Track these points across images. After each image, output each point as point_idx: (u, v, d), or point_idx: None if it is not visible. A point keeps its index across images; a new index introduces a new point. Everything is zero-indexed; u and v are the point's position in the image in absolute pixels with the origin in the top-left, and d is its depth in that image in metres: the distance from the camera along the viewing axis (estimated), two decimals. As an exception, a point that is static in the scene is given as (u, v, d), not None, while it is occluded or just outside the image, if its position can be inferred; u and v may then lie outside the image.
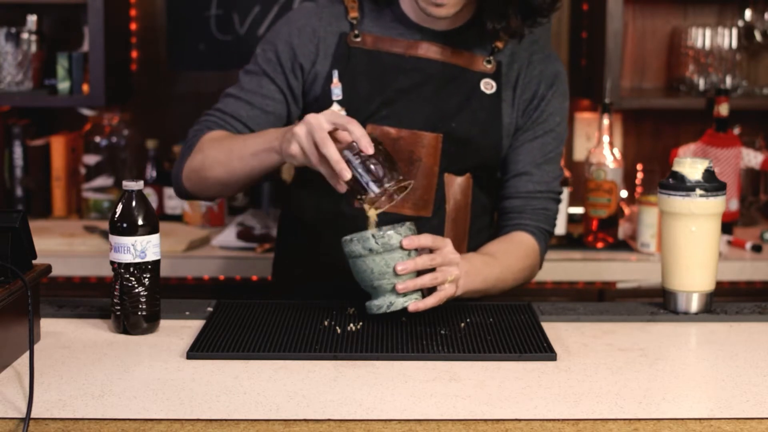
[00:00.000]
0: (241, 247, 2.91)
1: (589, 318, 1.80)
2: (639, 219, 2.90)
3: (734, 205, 3.07)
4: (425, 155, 1.95)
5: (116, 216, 1.65)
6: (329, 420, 1.33)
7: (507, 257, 1.93)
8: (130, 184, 1.66)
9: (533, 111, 2.01)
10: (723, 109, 3.03)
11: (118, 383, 1.45)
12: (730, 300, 1.96)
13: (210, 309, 1.80)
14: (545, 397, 1.41)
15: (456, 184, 1.98)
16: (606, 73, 3.08)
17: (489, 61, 1.99)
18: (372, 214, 1.71)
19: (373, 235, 1.66)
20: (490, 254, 1.92)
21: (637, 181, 3.35)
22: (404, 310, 1.69)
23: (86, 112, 3.38)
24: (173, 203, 3.23)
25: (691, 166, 1.79)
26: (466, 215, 2.01)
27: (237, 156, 1.86)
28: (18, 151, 3.22)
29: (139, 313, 1.67)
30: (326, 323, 1.71)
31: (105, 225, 2.97)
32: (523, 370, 1.52)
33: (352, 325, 1.70)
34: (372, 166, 1.65)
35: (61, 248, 2.88)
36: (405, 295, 1.68)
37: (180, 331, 1.70)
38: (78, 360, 1.55)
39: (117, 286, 1.66)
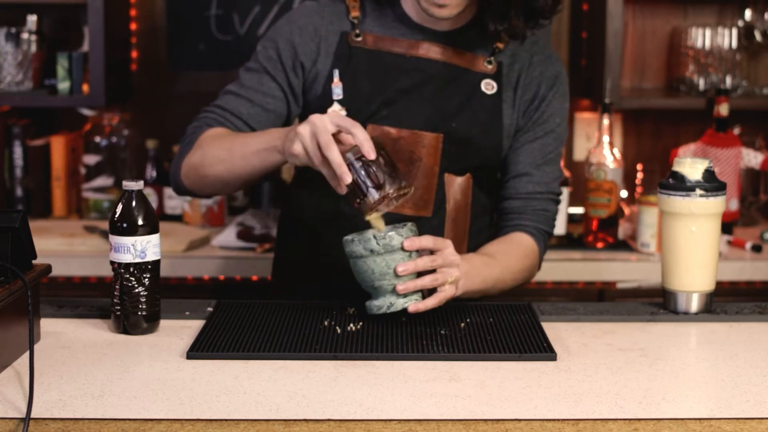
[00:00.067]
0: (241, 247, 2.91)
1: (589, 318, 1.80)
2: (639, 219, 2.90)
3: (734, 205, 3.07)
4: (425, 155, 1.95)
5: (116, 216, 1.65)
6: (329, 420, 1.33)
7: (506, 258, 1.93)
8: (130, 184, 1.66)
9: (534, 112, 2.01)
10: (723, 109, 3.03)
11: (118, 383, 1.45)
12: (730, 300, 1.96)
13: (210, 309, 1.80)
14: (545, 397, 1.41)
15: (456, 184, 1.98)
16: (606, 73, 3.08)
17: (490, 62, 1.99)
18: (374, 220, 1.70)
19: (375, 236, 1.66)
20: (490, 255, 1.92)
21: (637, 181, 3.35)
22: (404, 310, 1.69)
23: (86, 112, 3.38)
24: (173, 203, 3.23)
25: (691, 166, 1.79)
26: (466, 215, 2.01)
27: (238, 154, 1.86)
28: (18, 151, 3.22)
29: (139, 313, 1.67)
30: (326, 323, 1.71)
31: (105, 225, 2.97)
32: (523, 370, 1.52)
33: (352, 325, 1.70)
34: (373, 171, 1.65)
35: (61, 248, 2.88)
36: (405, 295, 1.69)
37: (180, 331, 1.70)
38: (78, 360, 1.55)
39: (117, 286, 1.66)
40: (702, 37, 3.24)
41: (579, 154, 3.40)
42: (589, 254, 2.89)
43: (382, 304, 1.69)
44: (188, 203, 3.15)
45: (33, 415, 1.33)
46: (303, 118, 2.03)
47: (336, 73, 1.96)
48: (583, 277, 2.86)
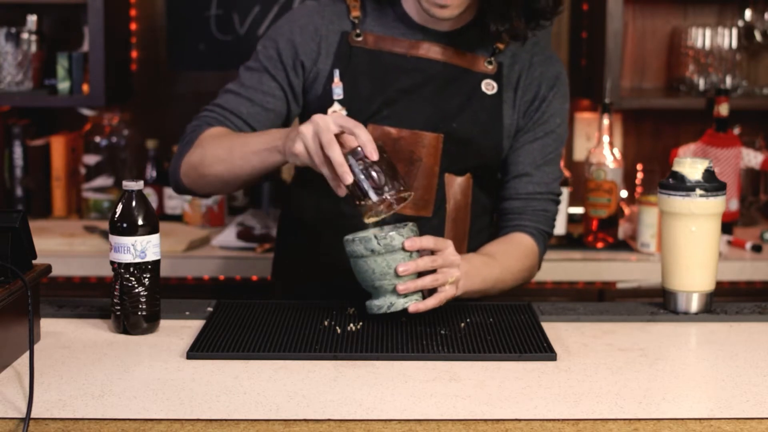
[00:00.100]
0: (241, 247, 2.91)
1: (589, 318, 1.80)
2: (639, 219, 2.90)
3: (734, 205, 3.07)
4: (426, 155, 1.95)
5: (116, 216, 1.65)
6: (329, 420, 1.33)
7: (506, 258, 1.93)
8: (130, 184, 1.66)
9: (534, 112, 2.01)
10: (723, 109, 3.03)
11: (118, 383, 1.45)
12: (730, 300, 1.96)
13: (210, 309, 1.80)
14: (545, 397, 1.41)
15: (456, 184, 1.98)
16: (606, 73, 3.08)
17: (490, 62, 1.99)
18: (371, 221, 1.71)
19: (376, 236, 1.66)
20: (490, 255, 1.92)
21: (637, 181, 3.35)
22: (404, 310, 1.69)
23: (86, 112, 3.38)
24: (173, 203, 3.24)
25: (691, 166, 1.79)
26: (466, 215, 2.01)
27: (238, 154, 1.86)
28: (18, 151, 3.22)
29: (139, 313, 1.67)
30: (326, 323, 1.71)
31: (105, 225, 2.97)
32: (523, 370, 1.52)
33: (352, 325, 1.70)
34: (374, 174, 1.65)
35: (61, 248, 2.88)
36: (406, 295, 1.69)
37: (180, 331, 1.70)
38: (78, 360, 1.55)
39: (117, 286, 1.66)
40: (702, 37, 3.24)
41: (579, 154, 3.40)
42: (589, 254, 2.89)
43: (383, 303, 1.69)
44: (188, 203, 3.15)
45: (33, 415, 1.33)
46: (303, 117, 2.03)
47: (336, 72, 1.96)
48: (583, 277, 2.86)
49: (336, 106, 1.95)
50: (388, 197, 1.66)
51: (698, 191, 1.78)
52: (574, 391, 1.44)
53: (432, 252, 1.70)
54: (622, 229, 3.04)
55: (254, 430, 1.32)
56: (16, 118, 3.29)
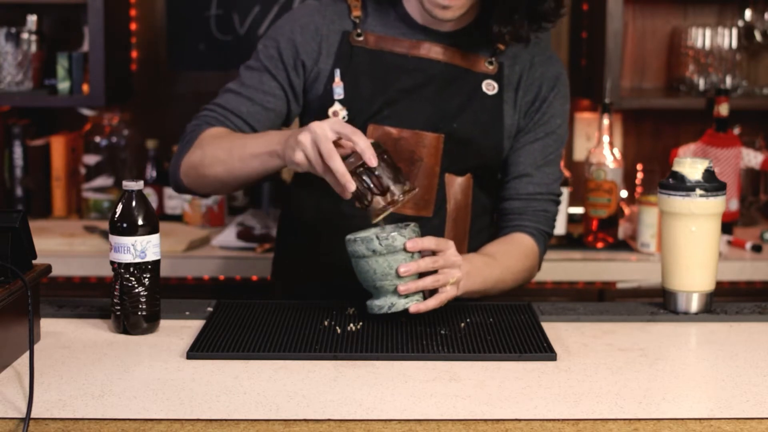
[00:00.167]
0: (241, 247, 2.91)
1: (589, 318, 1.80)
2: (639, 219, 2.90)
3: (734, 205, 3.07)
4: (426, 155, 1.95)
5: (116, 216, 1.65)
6: (329, 420, 1.33)
7: (507, 258, 1.93)
8: (130, 184, 1.66)
9: (535, 113, 2.01)
10: (723, 109, 3.03)
11: (118, 383, 1.45)
12: (730, 300, 1.96)
13: (210, 309, 1.80)
14: (545, 397, 1.41)
15: (457, 184, 1.98)
16: (606, 73, 3.08)
17: (491, 62, 1.99)
18: (378, 220, 1.71)
19: (377, 237, 1.66)
20: (490, 255, 1.92)
21: (637, 181, 3.35)
22: (405, 311, 1.69)
23: (86, 112, 3.38)
24: (173, 203, 3.24)
25: (691, 166, 1.79)
26: (466, 215, 2.01)
27: (237, 156, 1.85)
28: (18, 151, 3.22)
29: (139, 313, 1.67)
30: (326, 323, 1.71)
31: (105, 225, 2.97)
32: (523, 370, 1.52)
33: (352, 325, 1.70)
34: (377, 177, 1.65)
35: (61, 248, 2.88)
36: (407, 296, 1.69)
37: (180, 331, 1.70)
38: (78, 360, 1.55)
39: (117, 286, 1.66)
40: (702, 37, 3.24)
41: (579, 154, 3.40)
42: (589, 254, 2.89)
43: (384, 304, 1.69)
44: (188, 203, 3.15)
45: (33, 415, 1.33)
46: (303, 117, 2.03)
47: (337, 72, 1.96)
48: (583, 277, 2.86)
49: (336, 106, 1.95)
50: (394, 197, 1.66)
51: (698, 191, 1.78)
52: (574, 391, 1.44)
53: (433, 252, 1.70)
54: (622, 229, 3.04)
55: (254, 430, 1.32)
56: (16, 118, 3.29)
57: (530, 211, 2.01)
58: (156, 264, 1.67)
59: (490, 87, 1.99)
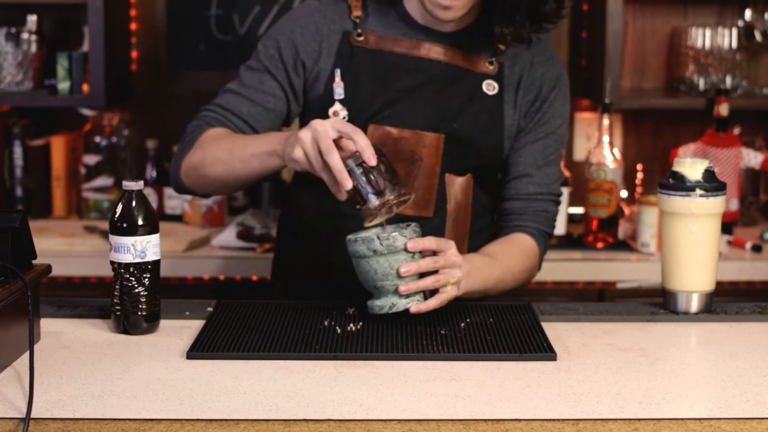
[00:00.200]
0: (241, 247, 2.91)
1: (589, 318, 1.80)
2: (639, 219, 2.90)
3: (734, 205, 3.07)
4: (427, 155, 1.95)
5: (116, 216, 1.65)
6: (329, 420, 1.33)
7: (507, 258, 1.93)
8: (130, 184, 1.66)
9: (535, 113, 2.01)
10: (723, 109, 3.03)
11: (118, 383, 1.45)
12: (730, 300, 1.96)
13: (210, 309, 1.80)
14: (545, 397, 1.41)
15: (457, 184, 1.98)
16: (606, 73, 3.08)
17: (491, 63, 2.00)
18: (372, 224, 1.71)
19: (378, 237, 1.66)
20: (491, 255, 1.92)
21: (637, 181, 3.35)
22: (406, 311, 1.69)
23: (86, 112, 3.38)
24: (173, 203, 3.24)
25: (691, 166, 1.79)
26: (466, 215, 2.01)
27: (238, 156, 1.86)
28: (18, 151, 3.22)
29: (139, 313, 1.67)
30: (326, 323, 1.71)
31: (105, 225, 2.97)
32: (523, 370, 1.52)
33: (352, 325, 1.70)
34: (374, 178, 1.65)
35: (61, 248, 2.88)
36: (407, 296, 1.69)
37: (180, 331, 1.70)
38: (78, 360, 1.55)
39: (117, 286, 1.66)
40: (702, 37, 3.24)
41: (579, 154, 3.40)
42: (589, 254, 2.89)
43: (384, 304, 1.69)
44: (188, 203, 3.15)
45: (33, 415, 1.33)
46: (304, 117, 2.03)
47: (337, 72, 1.96)
48: (583, 277, 2.86)
49: (337, 106, 1.95)
50: (389, 200, 1.66)
51: (698, 191, 1.78)
52: (574, 391, 1.44)
53: (434, 253, 1.70)
54: (622, 229, 3.04)
55: (254, 430, 1.32)
56: (16, 118, 3.29)
57: (530, 211, 2.01)
58: (156, 264, 1.67)
59: (490, 87, 1.99)
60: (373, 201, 1.66)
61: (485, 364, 1.54)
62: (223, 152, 1.88)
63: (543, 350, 1.59)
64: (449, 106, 1.96)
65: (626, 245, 2.96)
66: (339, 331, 1.67)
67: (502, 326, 1.71)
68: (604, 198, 2.92)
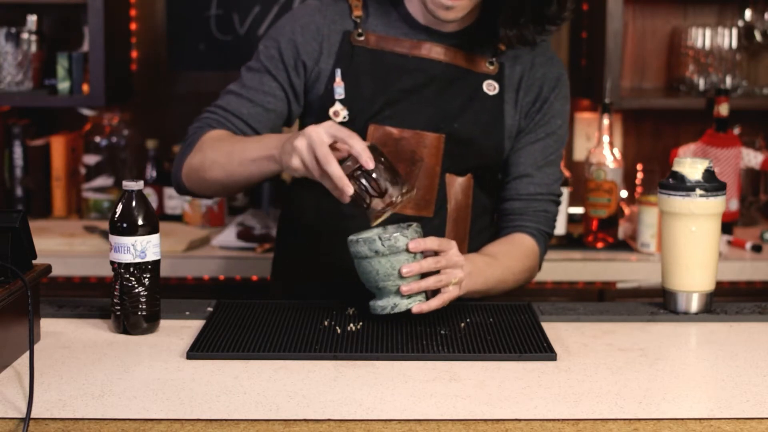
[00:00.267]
0: (241, 247, 2.91)
1: (589, 318, 1.80)
2: (639, 219, 2.90)
3: (734, 205, 3.07)
4: (427, 155, 1.95)
5: (116, 216, 1.65)
6: (329, 420, 1.33)
7: (508, 258, 1.93)
8: (130, 184, 1.66)
9: (536, 113, 2.01)
10: (723, 109, 3.03)
11: (118, 383, 1.45)
12: (730, 300, 1.96)
13: (210, 309, 1.80)
14: (545, 397, 1.41)
15: (457, 184, 1.98)
16: (606, 73, 3.08)
17: (492, 63, 2.00)
18: (377, 222, 1.71)
19: (380, 237, 1.66)
20: (492, 255, 1.92)
21: (637, 181, 3.35)
22: (408, 311, 1.68)
23: (86, 112, 3.38)
24: (173, 203, 3.24)
25: (691, 166, 1.79)
26: (467, 215, 2.01)
27: (237, 160, 1.86)
28: (18, 151, 3.22)
29: (139, 313, 1.67)
30: (326, 323, 1.71)
31: (105, 225, 2.97)
32: (523, 370, 1.52)
33: (352, 325, 1.70)
34: (375, 179, 1.65)
35: (61, 248, 2.88)
36: (409, 296, 1.68)
37: (180, 331, 1.70)
38: (78, 360, 1.55)
39: (117, 286, 1.66)
40: (702, 37, 3.24)
41: (579, 154, 3.40)
42: (589, 254, 2.89)
43: (386, 304, 1.69)
44: (188, 203, 3.15)
45: (33, 415, 1.33)
46: (304, 117, 2.03)
47: (338, 72, 1.96)
48: (583, 277, 2.86)
49: (337, 106, 1.95)
50: (392, 199, 1.66)
51: (698, 191, 1.78)
52: (574, 391, 1.44)
53: (436, 253, 1.70)
54: (622, 229, 3.04)
55: (254, 430, 1.32)
56: (16, 118, 3.29)
57: (531, 211, 2.01)
58: (156, 264, 1.67)
59: (491, 87, 1.99)
60: (377, 202, 1.66)
61: (485, 364, 1.54)
62: (222, 156, 1.88)
63: (543, 350, 1.59)
64: (450, 107, 1.96)
65: (626, 245, 2.96)
66: (339, 331, 1.67)
67: (502, 326, 1.71)
68: (604, 198, 2.92)
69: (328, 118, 1.94)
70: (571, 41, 3.43)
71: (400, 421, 1.34)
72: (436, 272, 1.70)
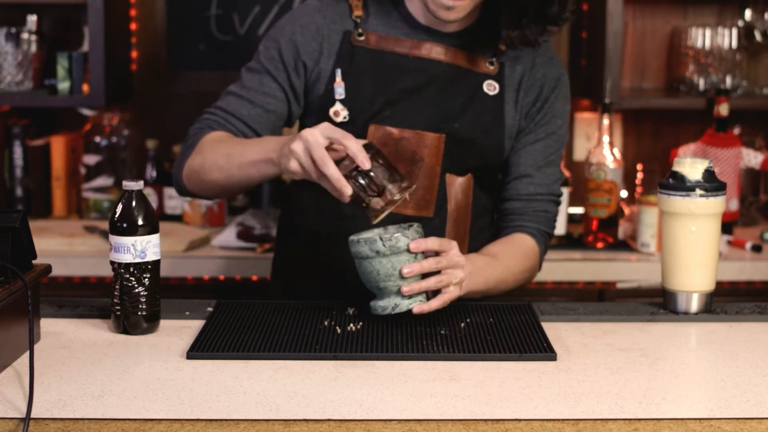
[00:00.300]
0: (241, 247, 2.91)
1: (589, 318, 1.80)
2: (639, 219, 2.90)
3: (734, 205, 3.07)
4: (428, 155, 1.95)
5: (116, 216, 1.65)
6: (329, 420, 1.33)
7: (508, 258, 1.93)
8: (130, 184, 1.66)
9: (536, 113, 2.01)
10: (723, 109, 3.03)
11: (118, 383, 1.45)
12: (730, 300, 1.96)
13: (210, 309, 1.80)
14: (545, 397, 1.41)
15: (457, 184, 1.99)
16: (606, 73, 3.08)
17: (492, 63, 2.00)
18: (378, 220, 1.71)
19: (381, 238, 1.66)
20: (492, 255, 1.92)
21: (637, 181, 3.35)
22: (408, 311, 1.68)
23: (86, 112, 3.38)
24: (173, 203, 3.23)
25: (691, 166, 1.79)
26: (467, 215, 2.01)
27: (236, 163, 1.86)
28: (18, 151, 3.22)
29: (139, 313, 1.67)
30: (326, 323, 1.71)
31: (105, 225, 2.97)
32: (523, 370, 1.52)
33: (352, 325, 1.70)
34: (372, 178, 1.65)
35: (61, 248, 2.88)
36: (410, 297, 1.68)
37: (180, 331, 1.70)
38: (78, 360, 1.55)
39: (117, 286, 1.66)
40: (702, 37, 3.24)
41: (579, 154, 3.40)
42: (589, 254, 2.89)
43: (387, 305, 1.69)
44: (188, 203, 3.15)
45: (33, 415, 1.33)
46: (305, 118, 2.03)
47: (338, 72, 1.96)
48: (583, 277, 2.86)
49: (338, 106, 1.95)
50: (391, 197, 1.66)
51: (698, 191, 1.78)
52: (574, 391, 1.44)
53: (437, 253, 1.70)
54: (622, 229, 3.04)
55: (254, 430, 1.32)
56: (16, 118, 3.29)
57: (531, 211, 2.01)
58: (156, 264, 1.67)
59: (491, 87, 1.99)
60: (376, 201, 1.66)
61: (485, 364, 1.54)
62: (222, 158, 1.88)
63: (543, 350, 1.59)
64: (450, 107, 1.96)
65: (626, 245, 2.96)
66: (339, 331, 1.67)
67: (502, 326, 1.71)
68: (604, 198, 2.92)
69: (329, 118, 1.94)
70: (571, 41, 3.43)
71: (400, 421, 1.34)
72: (437, 272, 1.70)
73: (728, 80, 3.24)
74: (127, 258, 1.65)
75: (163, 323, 1.72)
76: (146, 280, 1.66)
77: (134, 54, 3.41)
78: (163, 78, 3.42)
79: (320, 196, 1.96)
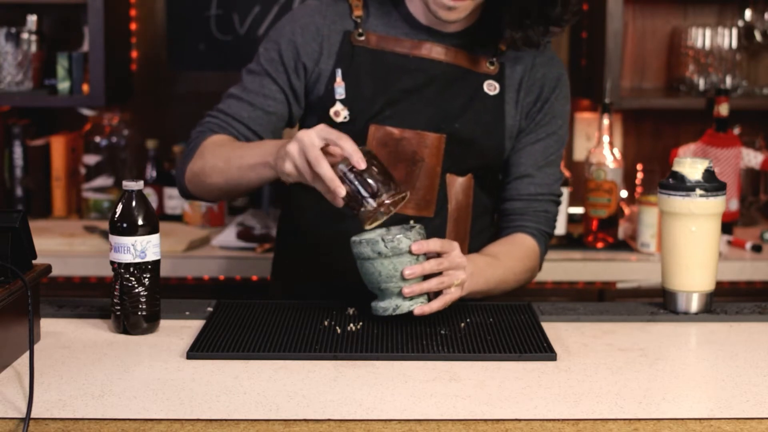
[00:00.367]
0: (241, 247, 2.91)
1: (589, 318, 1.80)
2: (639, 219, 2.90)
3: (734, 205, 3.07)
4: (428, 156, 1.95)
5: (116, 216, 1.65)
6: (329, 420, 1.33)
7: (509, 259, 1.93)
8: (130, 184, 1.66)
9: (536, 113, 2.01)
10: (723, 109, 3.03)
11: (118, 383, 1.45)
12: (730, 300, 1.96)
13: (210, 309, 1.80)
14: (545, 397, 1.41)
15: (458, 185, 1.99)
16: (606, 73, 3.08)
17: (492, 63, 2.00)
18: (372, 227, 1.70)
19: (383, 239, 1.66)
20: (493, 255, 1.92)
21: (637, 181, 3.35)
22: (409, 312, 1.68)
23: (86, 112, 3.38)
24: (173, 203, 3.23)
25: (691, 166, 1.79)
26: (467, 216, 2.01)
27: (235, 166, 1.86)
28: (18, 151, 3.22)
29: (139, 313, 1.67)
30: (326, 323, 1.71)
31: (105, 225, 2.97)
32: (523, 370, 1.52)
33: (352, 325, 1.70)
34: (367, 181, 1.65)
35: (61, 248, 2.88)
36: (411, 298, 1.68)
37: (180, 331, 1.70)
38: (78, 360, 1.55)
39: (117, 286, 1.66)
40: (702, 37, 3.24)
41: (579, 154, 3.40)
42: (589, 254, 2.89)
43: (388, 306, 1.69)
44: (188, 203, 3.15)
45: (33, 415, 1.33)
46: (306, 118, 2.03)
47: (339, 72, 1.96)
48: (583, 277, 2.86)
49: (338, 106, 1.95)
50: (385, 201, 1.66)
51: (698, 191, 1.78)
52: (574, 391, 1.44)
53: (438, 254, 1.70)
54: (622, 229, 3.04)
55: (254, 430, 1.32)
56: (16, 118, 3.29)
57: (531, 211, 2.01)
58: (156, 264, 1.67)
59: (491, 87, 1.99)
60: (370, 203, 1.65)
61: (485, 364, 1.54)
62: (222, 162, 1.88)
63: (543, 350, 1.59)
64: (451, 107, 1.96)
65: (626, 245, 2.96)
66: (339, 331, 1.67)
67: (502, 326, 1.71)
68: (604, 198, 2.92)
69: (329, 118, 1.94)
70: (571, 41, 3.43)
71: (400, 421, 1.34)
72: (439, 274, 1.70)
73: (728, 80, 3.24)
74: (127, 258, 1.65)
75: (163, 323, 1.72)
76: (146, 280, 1.66)
77: (134, 54, 3.41)
78: (163, 78, 3.42)
79: (320, 197, 1.95)
